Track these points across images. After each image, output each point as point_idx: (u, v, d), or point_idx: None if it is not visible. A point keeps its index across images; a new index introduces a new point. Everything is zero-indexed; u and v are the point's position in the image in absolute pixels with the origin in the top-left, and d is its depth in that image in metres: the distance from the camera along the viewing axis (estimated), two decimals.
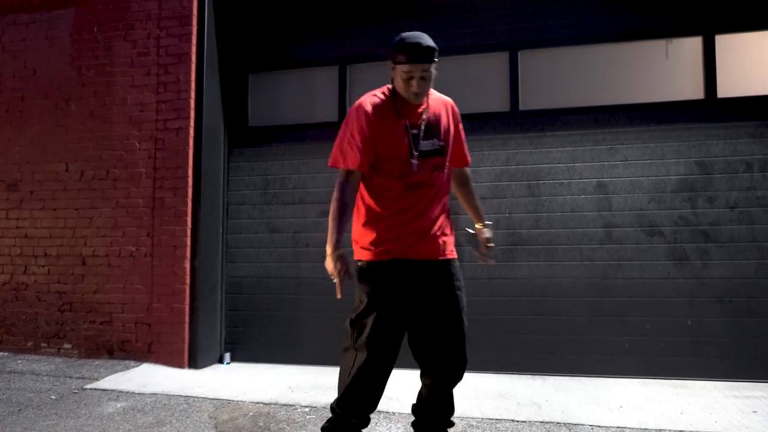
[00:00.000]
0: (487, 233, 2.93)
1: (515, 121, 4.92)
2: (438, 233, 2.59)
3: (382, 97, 2.59)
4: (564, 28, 4.91)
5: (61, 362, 5.11)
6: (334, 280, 2.45)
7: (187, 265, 5.01)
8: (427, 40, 2.44)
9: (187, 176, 5.07)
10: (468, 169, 2.94)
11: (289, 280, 5.24)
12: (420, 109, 2.59)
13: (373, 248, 2.55)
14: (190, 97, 5.12)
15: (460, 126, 2.81)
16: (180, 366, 4.96)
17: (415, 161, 2.53)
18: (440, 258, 2.60)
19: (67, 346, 5.28)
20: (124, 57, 5.31)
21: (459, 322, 2.60)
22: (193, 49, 5.16)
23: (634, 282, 4.59)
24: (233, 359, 5.28)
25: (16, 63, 5.61)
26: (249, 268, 5.33)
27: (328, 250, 2.46)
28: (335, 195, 2.54)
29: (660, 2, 4.76)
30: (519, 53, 4.97)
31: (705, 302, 4.48)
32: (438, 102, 2.69)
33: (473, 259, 4.82)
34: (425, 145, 2.56)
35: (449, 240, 2.67)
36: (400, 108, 2.56)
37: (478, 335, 4.74)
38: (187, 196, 5.06)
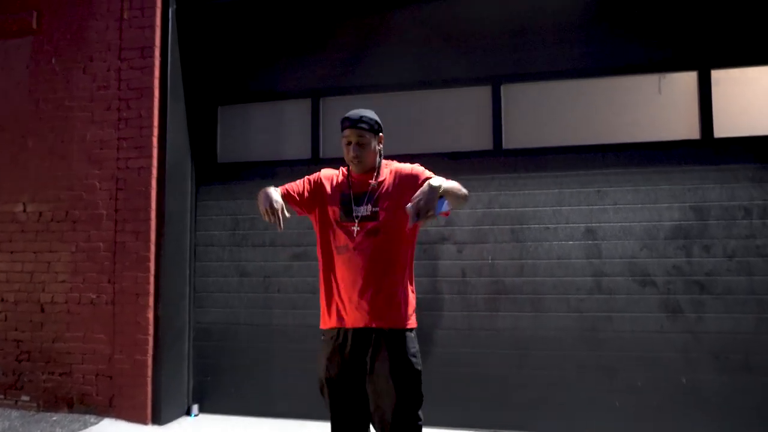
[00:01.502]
0: (423, 187, 2.36)
1: (498, 159, 4.61)
2: (370, 300, 2.54)
3: (341, 170, 2.81)
4: (550, 60, 4.59)
5: (17, 417, 4.80)
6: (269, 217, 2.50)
7: (150, 314, 4.70)
8: (366, 113, 2.66)
9: (150, 219, 4.75)
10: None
11: (259, 327, 4.93)
12: (370, 180, 2.67)
13: (322, 317, 2.68)
14: (152, 134, 4.80)
15: (425, 176, 2.62)
16: (143, 422, 4.66)
17: (346, 225, 2.62)
18: (372, 326, 2.53)
19: (25, 398, 4.98)
20: (84, 90, 4.99)
21: (388, 393, 2.50)
22: (156, 82, 4.83)
23: (625, 335, 4.29)
24: (202, 410, 4.98)
25: None
26: (217, 314, 5.02)
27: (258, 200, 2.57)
28: None
29: (652, 34, 4.45)
30: (502, 87, 4.65)
31: (700, 358, 4.18)
32: (393, 172, 2.70)
33: (453, 309, 4.58)
34: (357, 210, 2.63)
35: (388, 307, 2.55)
36: (351, 179, 2.72)
37: (457, 389, 4.46)
38: (149, 240, 4.74)
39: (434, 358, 4.54)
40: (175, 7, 4.93)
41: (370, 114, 2.66)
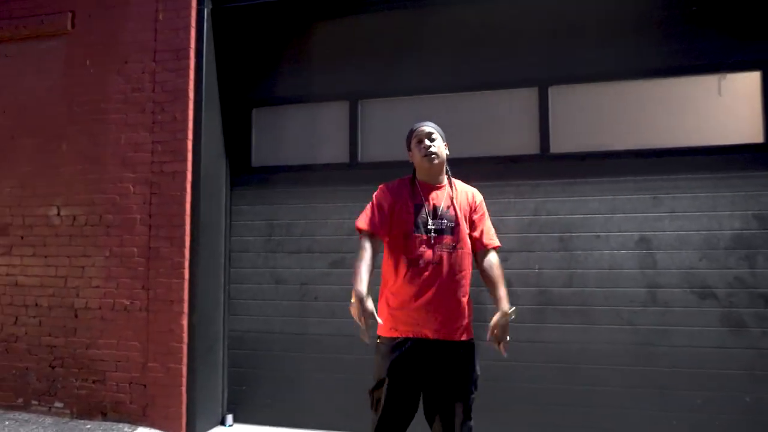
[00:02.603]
0: (498, 318, 2.68)
1: (545, 165, 4.39)
2: (444, 313, 2.68)
3: (401, 180, 2.92)
4: (600, 61, 4.36)
5: (51, 424, 4.73)
6: (360, 325, 2.49)
7: (185, 322, 4.59)
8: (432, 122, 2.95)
9: (184, 224, 4.64)
10: (493, 256, 2.90)
11: (295, 336, 4.78)
12: (437, 191, 2.83)
13: (384, 325, 2.75)
14: (187, 138, 4.68)
15: (481, 212, 2.93)
16: (177, 431, 4.55)
17: (419, 237, 2.71)
18: (445, 339, 2.69)
19: (58, 404, 4.90)
20: (118, 93, 4.89)
21: (452, 398, 2.69)
22: (191, 84, 4.71)
23: (682, 350, 4.05)
24: (236, 420, 4.85)
25: (5, 98, 5.22)
26: (252, 323, 4.89)
27: (352, 296, 2.54)
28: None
29: (710, 33, 4.20)
30: (549, 89, 4.44)
31: (766, 376, 3.92)
32: (459, 189, 2.89)
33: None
34: (434, 223, 2.73)
35: (460, 321, 2.73)
36: (417, 189, 2.83)
37: (502, 405, 4.26)
38: (184, 247, 4.63)
39: None
40: (210, 7, 4.81)
41: (434, 123, 2.94)
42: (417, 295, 2.67)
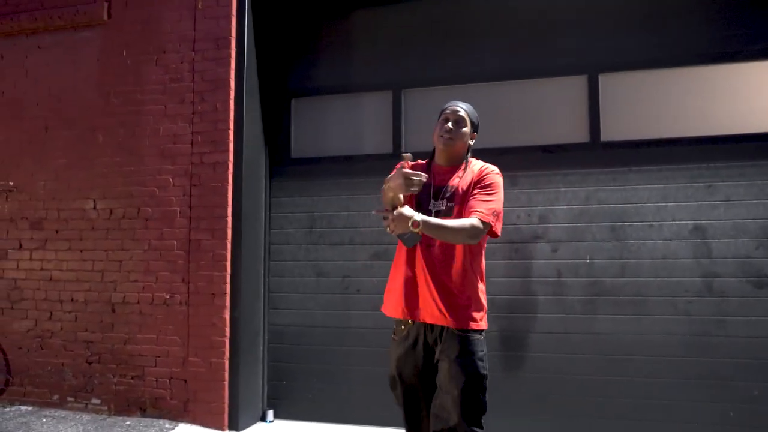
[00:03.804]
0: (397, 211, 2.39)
1: (596, 153, 4.33)
2: (442, 297, 2.49)
3: (421, 160, 2.79)
4: (652, 47, 4.30)
5: (89, 421, 4.64)
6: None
7: (227, 315, 4.51)
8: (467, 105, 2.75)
9: (227, 216, 4.56)
10: (472, 219, 2.44)
11: (336, 329, 4.70)
12: (448, 173, 2.64)
13: (389, 305, 2.67)
14: (228, 128, 4.60)
15: (485, 183, 2.57)
16: (220, 428, 4.45)
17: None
18: (444, 325, 2.50)
19: (95, 401, 4.81)
20: (156, 83, 4.81)
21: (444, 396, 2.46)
22: (232, 74, 4.64)
23: (739, 341, 3.98)
24: (277, 416, 4.77)
25: (40, 89, 5.14)
26: (293, 316, 4.81)
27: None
28: None
29: (766, 16, 4.13)
30: (600, 77, 4.37)
31: None
32: (471, 169, 2.65)
33: (548, 311, 4.31)
34: (435, 204, 2.58)
35: (460, 307, 2.49)
36: (434, 170, 2.69)
37: (552, 397, 4.19)
38: (226, 239, 4.55)
39: (527, 363, 4.28)
40: None
41: (471, 107, 2.73)
42: (412, 279, 2.55)
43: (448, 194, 2.57)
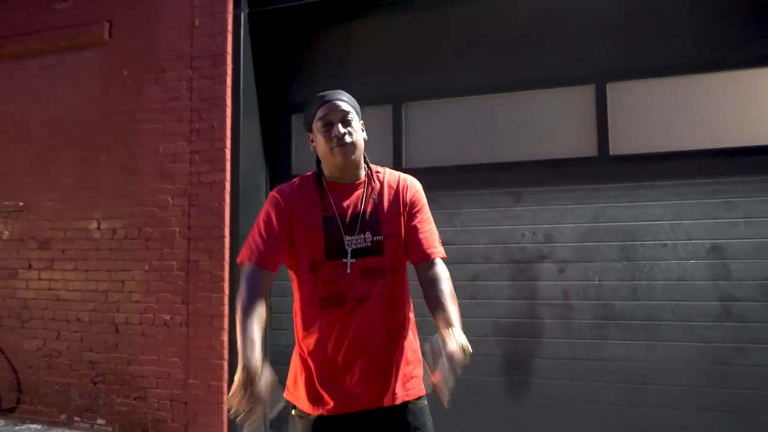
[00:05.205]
0: (451, 344, 1.67)
1: (604, 167, 4.07)
2: (382, 369, 1.93)
3: (301, 180, 2.08)
4: (663, 54, 4.02)
5: None
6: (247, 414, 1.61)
7: (225, 337, 4.43)
8: (344, 91, 2.05)
9: (224, 236, 4.49)
10: (440, 267, 1.96)
11: None
12: (353, 192, 2.00)
13: (295, 394, 2.02)
14: (225, 147, 4.53)
15: (419, 207, 2.04)
16: None
17: (334, 264, 1.92)
18: (389, 405, 1.92)
19: (100, 422, 4.81)
20: (155, 102, 4.77)
21: None
22: (228, 91, 4.56)
23: (761, 370, 3.68)
24: None
25: (46, 110, 5.17)
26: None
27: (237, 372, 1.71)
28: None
29: None
30: (607, 86, 4.11)
31: None
32: (385, 181, 2.05)
33: (554, 335, 4.08)
34: (352, 241, 1.93)
35: (406, 374, 1.97)
36: (325, 192, 2.00)
37: (558, 426, 3.96)
38: (223, 259, 4.48)
39: (532, 390, 4.06)
40: (247, 11, 4.64)
41: (342, 90, 2.06)
42: (339, 350, 1.91)
43: (368, 224, 1.96)
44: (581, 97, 4.17)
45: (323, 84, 4.73)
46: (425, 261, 1.97)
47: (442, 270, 1.95)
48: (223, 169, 4.52)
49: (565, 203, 4.11)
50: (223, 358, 4.43)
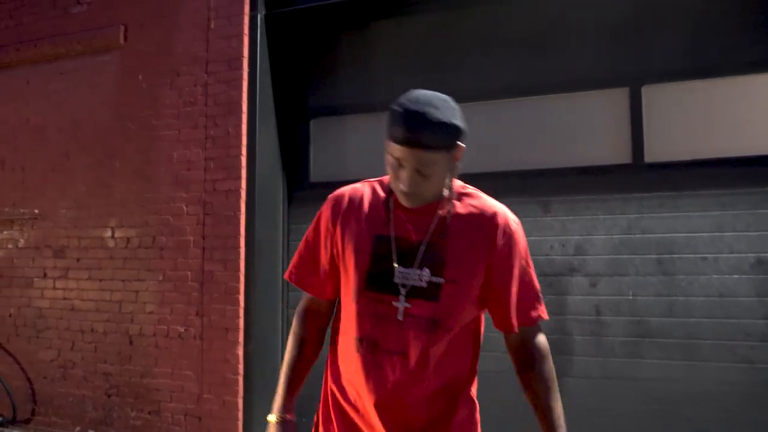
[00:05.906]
0: None
1: (639, 175, 3.83)
2: None
3: (372, 187, 1.66)
4: (702, 54, 3.77)
5: None
6: None
7: (240, 352, 4.29)
8: (437, 114, 1.40)
9: (239, 247, 4.34)
10: (540, 339, 1.66)
11: None
12: (420, 216, 1.55)
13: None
14: (240, 154, 4.38)
15: (517, 255, 1.57)
16: None
17: (375, 299, 1.53)
18: None
19: None
20: (170, 107, 4.65)
21: None
22: (244, 96, 4.41)
23: None
24: None
25: (62, 116, 5.08)
26: None
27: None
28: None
29: None
30: (642, 88, 3.87)
31: None
32: (476, 214, 1.57)
33: (585, 353, 3.85)
34: (405, 275, 1.51)
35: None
36: (389, 209, 1.58)
37: None
38: (238, 270, 4.33)
39: None
40: (264, 13, 4.49)
41: (443, 113, 1.43)
42: (370, 402, 1.57)
43: (429, 259, 1.53)
44: (614, 100, 3.94)
45: (344, 88, 4.59)
46: (518, 331, 1.60)
47: (540, 344, 1.62)
48: (239, 177, 4.37)
49: (597, 213, 3.88)
50: (238, 373, 4.28)
